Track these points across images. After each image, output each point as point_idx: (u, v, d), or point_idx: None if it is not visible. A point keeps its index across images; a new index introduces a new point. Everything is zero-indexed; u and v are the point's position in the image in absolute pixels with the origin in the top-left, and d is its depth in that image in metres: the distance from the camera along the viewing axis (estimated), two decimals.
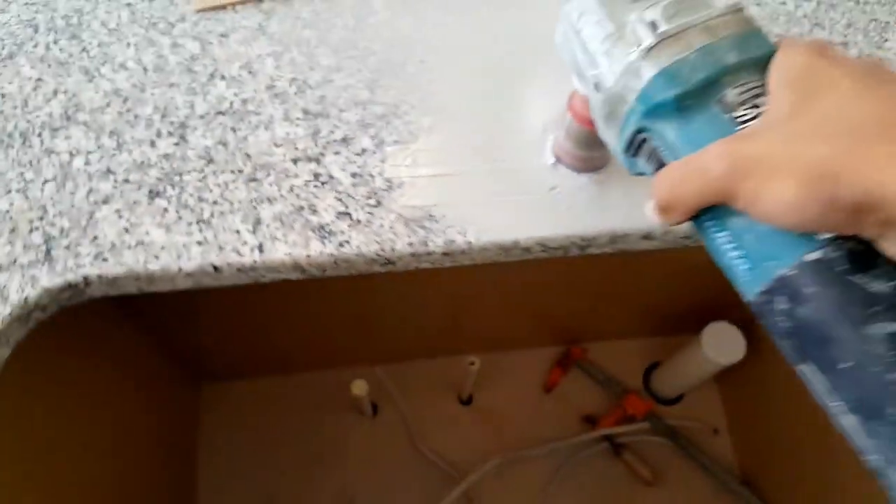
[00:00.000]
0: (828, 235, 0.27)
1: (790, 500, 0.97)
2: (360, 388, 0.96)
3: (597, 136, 0.42)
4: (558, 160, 0.47)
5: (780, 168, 0.26)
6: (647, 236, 0.46)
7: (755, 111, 0.29)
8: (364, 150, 0.47)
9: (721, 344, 0.92)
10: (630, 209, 0.46)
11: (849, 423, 0.26)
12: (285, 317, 0.96)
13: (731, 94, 0.30)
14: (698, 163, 0.29)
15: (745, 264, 0.29)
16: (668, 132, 0.31)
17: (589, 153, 0.45)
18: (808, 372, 0.27)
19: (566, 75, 0.45)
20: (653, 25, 0.32)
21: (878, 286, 0.25)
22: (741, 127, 0.29)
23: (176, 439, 1.04)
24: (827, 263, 0.26)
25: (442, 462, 1.09)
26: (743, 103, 0.29)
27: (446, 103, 0.49)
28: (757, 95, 0.29)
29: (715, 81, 0.30)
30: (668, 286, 0.95)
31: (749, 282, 0.29)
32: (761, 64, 0.30)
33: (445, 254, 0.45)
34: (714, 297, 0.99)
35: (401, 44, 0.51)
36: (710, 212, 0.30)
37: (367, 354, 1.14)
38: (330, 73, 0.49)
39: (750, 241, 0.29)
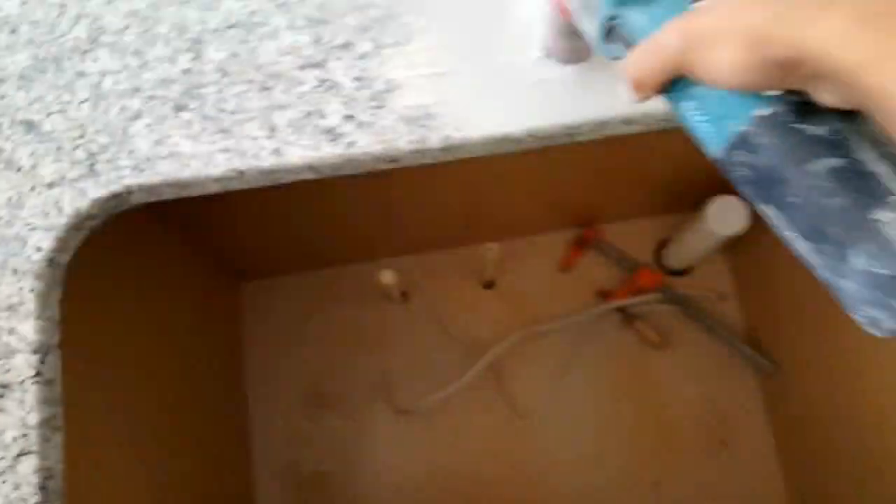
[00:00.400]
0: (774, 93, 0.31)
1: (792, 357, 1.04)
2: (388, 277, 1.03)
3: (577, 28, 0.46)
4: (547, 52, 0.50)
5: (723, 35, 0.29)
6: (627, 121, 0.50)
7: None
8: (364, 55, 0.51)
9: (725, 216, 0.96)
10: (612, 97, 0.50)
11: (802, 248, 0.32)
12: (314, 214, 1.02)
13: None
14: (659, 40, 0.32)
15: (709, 126, 0.34)
16: (635, 17, 0.35)
17: (574, 44, 0.49)
18: (768, 211, 0.33)
19: None
20: None
21: (816, 130, 0.30)
22: (697, 5, 0.33)
23: (222, 336, 1.13)
24: (774, 117, 0.31)
25: (469, 341, 1.17)
26: None
27: (439, 3, 0.52)
28: None
29: None
30: (672, 165, 0.98)
31: (714, 141, 0.34)
32: None
33: (444, 149, 0.50)
34: (717, 174, 1.02)
35: None
36: (676, 84, 0.34)
37: (394, 246, 1.21)
38: None
39: (711, 106, 0.33)
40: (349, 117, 0.49)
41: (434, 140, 0.49)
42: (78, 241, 0.49)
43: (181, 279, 0.94)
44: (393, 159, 0.50)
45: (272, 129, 0.49)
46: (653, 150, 0.92)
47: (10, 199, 0.48)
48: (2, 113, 0.50)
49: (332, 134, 0.49)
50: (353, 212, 1.04)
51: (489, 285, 1.21)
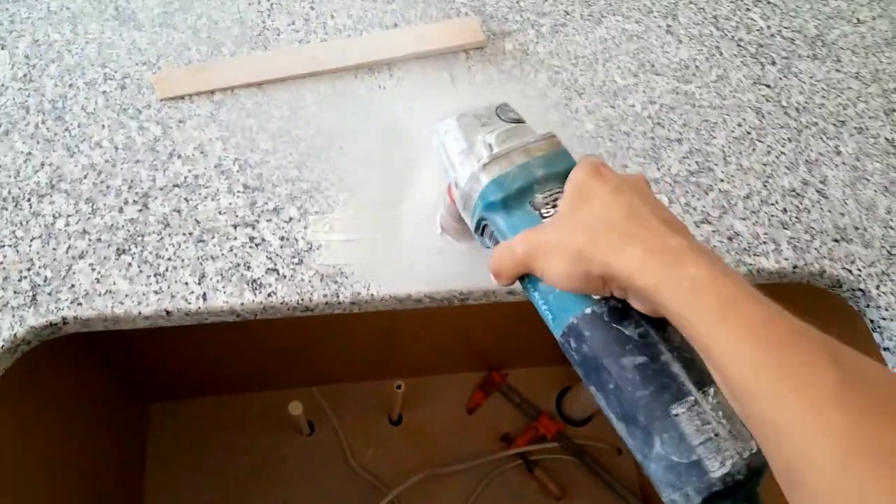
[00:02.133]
0: (599, 297, 0.39)
1: None
2: (296, 408, 1.08)
3: None
4: (443, 231, 0.61)
5: (556, 250, 0.39)
6: (511, 292, 0.60)
7: (554, 210, 0.43)
8: (291, 219, 0.60)
9: None
10: None
11: (619, 428, 0.39)
12: (228, 343, 1.07)
13: (539, 197, 0.43)
14: (511, 245, 0.42)
15: (550, 315, 0.42)
16: (498, 221, 0.45)
17: (465, 226, 0.59)
18: (593, 392, 0.40)
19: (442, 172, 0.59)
20: (489, 147, 0.46)
21: (630, 331, 0.38)
22: (545, 220, 0.43)
23: (125, 454, 1.14)
24: (598, 315, 0.39)
25: (372, 477, 1.21)
26: (546, 204, 0.43)
27: (359, 182, 0.62)
28: (556, 199, 0.43)
29: (528, 188, 0.43)
30: None
31: (554, 327, 0.42)
32: (563, 175, 0.43)
33: (353, 303, 0.58)
34: None
35: (325, 132, 0.64)
36: (527, 277, 0.43)
37: (304, 377, 1.26)
38: (267, 155, 0.63)
39: (551, 300, 0.42)
40: (272, 270, 0.58)
41: (345, 295, 0.58)
42: (9, 364, 0.55)
43: (92, 397, 0.97)
44: (307, 309, 0.58)
45: (202, 276, 0.57)
46: None
47: None
48: None
49: (255, 284, 0.57)
50: (267, 343, 1.10)
51: (396, 421, 1.27)
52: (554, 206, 0.43)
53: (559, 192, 0.43)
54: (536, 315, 1.27)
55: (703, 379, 0.37)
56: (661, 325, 0.38)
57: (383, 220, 0.61)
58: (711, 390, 0.36)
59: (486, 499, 1.22)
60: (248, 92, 0.66)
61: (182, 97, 0.64)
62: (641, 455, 0.37)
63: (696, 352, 0.36)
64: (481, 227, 0.47)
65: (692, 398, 0.36)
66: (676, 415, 0.35)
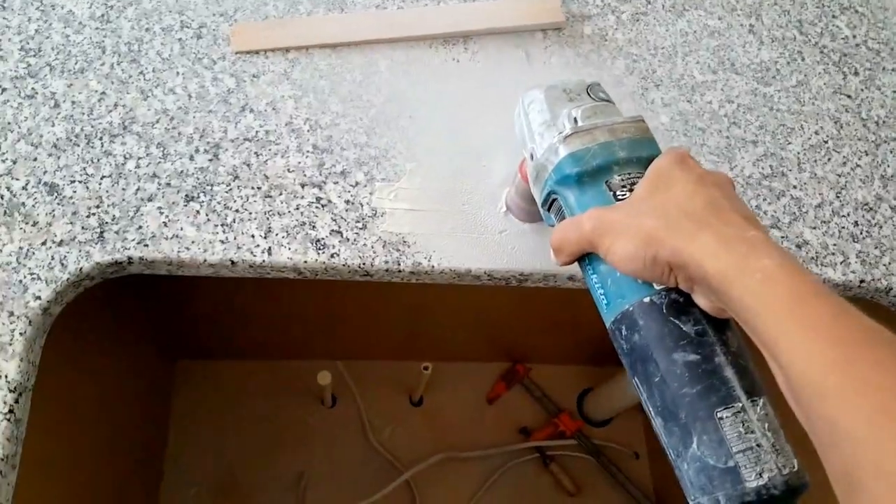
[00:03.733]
0: (661, 286, 0.40)
1: None
2: (324, 378, 1.10)
3: None
4: (508, 209, 0.62)
5: (625, 231, 0.39)
6: (571, 278, 0.62)
7: (630, 193, 0.43)
8: (357, 183, 0.62)
9: None
10: None
11: (656, 424, 0.39)
12: (262, 307, 1.09)
13: (616, 179, 0.44)
14: (578, 220, 0.42)
15: (605, 300, 0.43)
16: (569, 197, 0.45)
17: (531, 207, 0.60)
18: (636, 383, 0.41)
19: (518, 146, 0.60)
20: (574, 120, 0.46)
21: (687, 327, 0.38)
22: (616, 203, 0.43)
23: (151, 409, 1.17)
24: (656, 306, 0.39)
25: (390, 455, 1.23)
26: (623, 186, 0.43)
27: (427, 153, 0.64)
28: (634, 183, 0.43)
29: (607, 168, 0.44)
30: (601, 323, 1.10)
31: (607, 312, 0.43)
32: (644, 161, 0.44)
33: (412, 272, 0.60)
34: None
35: (397, 100, 0.66)
36: (587, 258, 0.43)
37: (331, 349, 1.28)
38: (337, 118, 0.64)
39: (609, 284, 0.42)
40: (336, 232, 0.59)
41: (406, 264, 0.59)
42: (71, 297, 0.57)
43: (125, 347, 1.00)
44: (367, 273, 0.60)
45: (268, 231, 0.58)
46: (588, 306, 1.04)
47: (20, 248, 0.55)
48: (30, 173, 0.58)
49: (319, 244, 0.58)
50: (299, 311, 1.12)
51: (418, 402, 1.29)
52: (630, 190, 0.43)
53: (638, 177, 0.43)
54: (565, 313, 1.28)
55: (754, 388, 0.37)
56: (720, 326, 0.39)
57: (448, 194, 0.62)
58: (761, 401, 0.37)
59: (501, 487, 1.24)
60: (322, 53, 0.67)
61: (257, 52, 0.66)
62: (675, 454, 0.38)
63: (753, 358, 0.37)
64: (549, 202, 0.47)
65: (740, 404, 0.36)
66: (721, 418, 0.36)
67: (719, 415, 0.36)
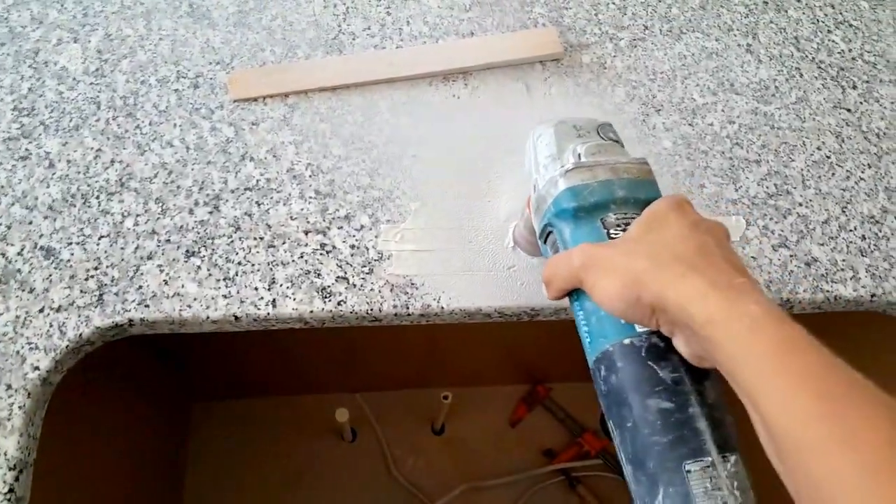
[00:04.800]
0: (643, 329, 0.36)
1: None
2: (342, 415, 1.04)
3: None
4: (516, 244, 0.56)
5: (612, 269, 0.35)
6: None
7: (623, 233, 0.39)
8: (362, 226, 0.56)
9: None
10: None
11: (627, 471, 0.35)
12: (276, 345, 1.04)
13: (612, 217, 0.40)
14: (568, 255, 0.38)
15: (588, 338, 0.39)
16: (564, 231, 0.41)
17: (534, 238, 0.55)
18: (611, 427, 0.36)
19: (523, 180, 0.55)
20: (578, 156, 0.42)
21: (664, 373, 0.35)
22: (608, 241, 0.39)
23: (167, 452, 1.10)
24: (636, 348, 0.36)
25: (413, 488, 1.16)
26: (618, 225, 0.40)
27: (431, 191, 0.58)
28: (629, 223, 0.39)
29: (604, 206, 0.40)
30: None
31: (589, 351, 0.39)
32: (642, 203, 0.40)
33: (422, 315, 0.54)
34: None
35: (399, 139, 0.60)
36: (575, 293, 0.40)
37: (349, 382, 1.22)
38: (339, 161, 0.58)
39: (594, 321, 0.38)
40: (342, 278, 0.53)
41: (414, 307, 0.53)
42: (71, 364, 0.51)
43: (140, 392, 0.94)
44: (375, 319, 0.54)
45: (272, 282, 0.53)
46: None
47: (17, 317, 0.50)
48: (26, 237, 0.53)
49: (325, 292, 0.53)
50: (313, 346, 1.06)
51: (439, 431, 1.22)
52: (624, 230, 0.39)
53: (634, 217, 0.39)
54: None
55: (727, 444, 0.33)
56: (699, 376, 0.35)
57: (455, 232, 0.57)
58: (733, 458, 0.33)
59: None
60: (322, 96, 0.62)
61: (255, 99, 0.61)
62: (642, 502, 0.34)
63: (732, 413, 0.34)
64: (546, 234, 0.44)
65: (710, 459, 0.33)
66: (689, 471, 0.32)
67: (687, 467, 0.32)
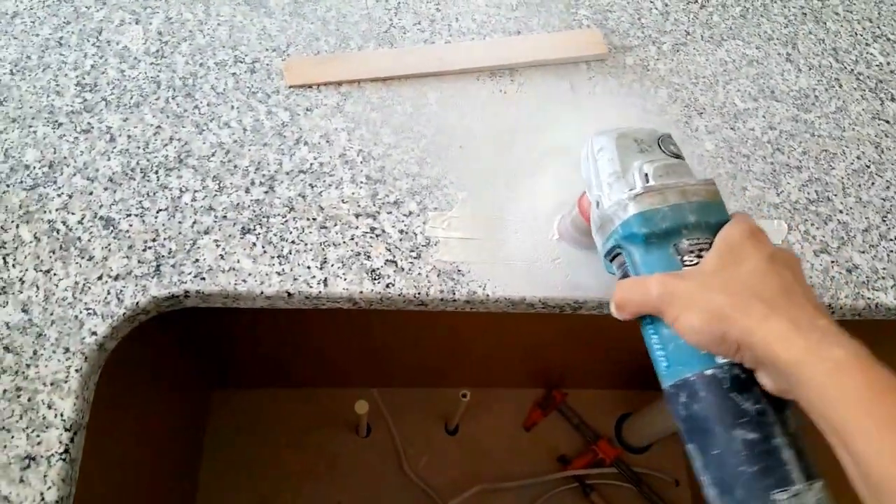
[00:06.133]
0: (723, 360, 0.37)
1: None
2: (361, 407, 1.05)
3: (589, 227, 0.53)
4: (561, 237, 0.58)
5: (694, 304, 0.37)
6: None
7: (698, 260, 0.40)
8: (411, 213, 0.58)
9: None
10: (610, 284, 0.57)
11: (710, 493, 0.37)
12: (295, 336, 1.05)
13: (685, 243, 0.40)
14: (644, 284, 0.40)
15: (665, 362, 0.40)
16: (634, 255, 0.42)
17: (585, 238, 0.56)
18: (691, 450, 0.38)
19: (570, 175, 0.57)
20: (646, 177, 0.42)
21: (747, 405, 0.36)
22: (685, 269, 0.40)
23: (185, 439, 1.12)
24: (717, 379, 0.37)
25: (426, 486, 1.17)
26: (691, 251, 0.40)
27: (477, 182, 0.60)
28: (703, 249, 0.40)
29: (676, 232, 0.41)
30: (641, 346, 1.05)
31: (665, 375, 0.40)
32: (714, 227, 0.41)
33: (467, 301, 0.56)
34: None
35: (447, 131, 0.62)
36: (649, 318, 0.41)
37: (365, 377, 1.23)
38: (389, 149, 0.60)
39: (671, 348, 0.39)
40: (391, 262, 0.55)
41: (460, 293, 0.55)
42: (126, 332, 0.53)
43: (163, 378, 0.95)
44: (422, 303, 0.56)
45: (324, 262, 0.54)
46: (622, 329, 0.99)
47: (76, 283, 0.52)
48: (86, 207, 0.54)
49: (375, 274, 0.54)
50: (332, 339, 1.07)
51: (453, 431, 1.23)
52: (699, 257, 0.40)
53: (706, 243, 0.40)
54: (601, 337, 1.22)
55: (811, 471, 0.35)
56: (780, 406, 0.36)
57: (500, 222, 0.58)
58: (818, 485, 0.35)
59: None
60: (373, 86, 0.64)
61: (310, 86, 0.63)
62: None
63: (810, 439, 0.35)
64: (613, 255, 0.45)
65: (797, 487, 0.34)
66: (775, 500, 0.34)
67: (774, 496, 0.34)
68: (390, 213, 0.57)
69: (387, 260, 0.55)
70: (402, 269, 0.55)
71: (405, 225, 0.57)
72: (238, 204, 0.56)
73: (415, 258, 0.56)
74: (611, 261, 0.45)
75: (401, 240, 0.56)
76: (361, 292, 0.54)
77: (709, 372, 0.37)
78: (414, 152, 0.61)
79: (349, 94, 0.63)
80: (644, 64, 0.69)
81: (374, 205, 0.58)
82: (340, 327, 1.03)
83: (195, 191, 0.56)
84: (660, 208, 0.41)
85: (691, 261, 0.40)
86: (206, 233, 0.54)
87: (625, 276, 0.43)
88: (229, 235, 0.54)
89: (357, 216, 0.57)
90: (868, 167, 0.67)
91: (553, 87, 0.66)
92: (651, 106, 0.67)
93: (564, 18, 0.71)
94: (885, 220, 0.64)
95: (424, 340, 1.10)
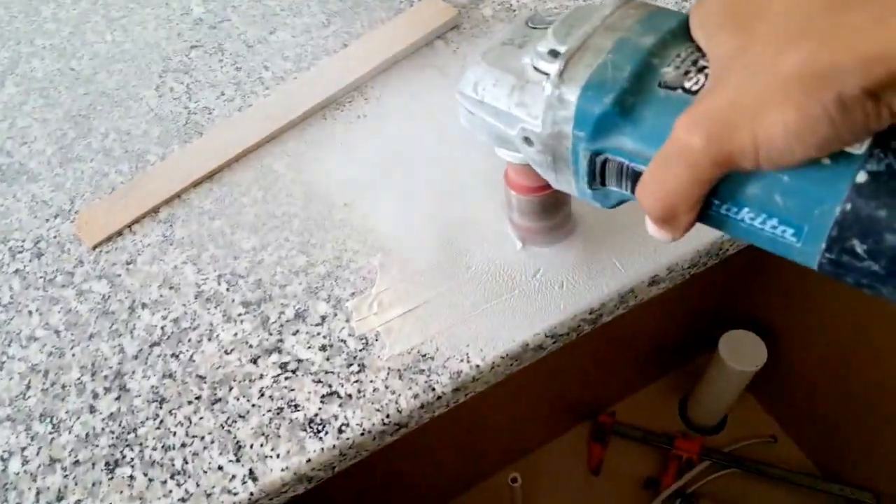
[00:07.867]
0: (859, 150, 0.22)
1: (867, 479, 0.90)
2: None
3: (546, 201, 0.38)
4: (524, 241, 0.42)
5: (762, 101, 0.21)
6: (653, 281, 0.41)
7: (703, 74, 0.25)
8: (324, 317, 0.41)
9: (740, 350, 0.87)
10: (622, 261, 0.41)
11: None
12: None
13: (670, 71, 0.26)
14: (673, 149, 0.24)
15: (792, 229, 0.24)
16: (624, 142, 0.27)
17: (549, 221, 0.41)
18: None
19: (496, 164, 0.41)
20: (553, 53, 0.28)
21: None
22: (700, 93, 0.25)
23: None
24: (879, 176, 0.21)
25: None
26: (687, 73, 0.25)
27: (388, 235, 0.44)
28: (696, 61, 0.26)
29: (645, 69, 0.26)
30: (664, 322, 0.90)
31: (805, 246, 0.24)
32: (680, 33, 0.27)
33: (456, 389, 0.39)
34: (715, 312, 0.94)
35: (318, 194, 0.46)
36: (717, 196, 0.25)
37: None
38: (256, 254, 0.44)
39: (783, 202, 0.24)
40: (330, 395, 0.38)
41: (441, 382, 0.38)
42: None
43: None
44: (398, 425, 0.38)
45: (238, 448, 0.37)
46: (641, 314, 0.84)
47: None
48: None
49: (315, 424, 0.37)
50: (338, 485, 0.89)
51: None
52: (700, 71, 0.25)
53: (693, 52, 0.26)
54: (619, 338, 1.03)
55: None
56: None
57: (442, 267, 0.42)
58: None
59: None
60: (199, 191, 0.47)
61: (118, 233, 0.46)
62: None
63: None
64: (599, 173, 0.29)
65: None
66: None
67: None
68: (296, 332, 0.40)
69: (323, 396, 0.38)
70: (350, 397, 0.38)
71: (324, 337, 0.40)
72: (88, 434, 0.38)
73: (358, 373, 0.39)
74: (602, 183, 0.30)
75: (328, 359, 0.39)
76: (309, 460, 0.36)
77: (861, 177, 0.22)
78: (290, 241, 0.44)
79: (174, 216, 0.46)
80: (506, 5, 0.55)
81: (271, 333, 0.41)
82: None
83: (22, 449, 0.38)
84: (602, 61, 0.27)
85: (698, 80, 0.25)
86: (61, 499, 0.36)
87: (635, 182, 0.28)
88: (94, 484, 0.36)
89: (255, 361, 0.40)
90: None
91: (417, 81, 0.52)
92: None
93: (390, 5, 0.57)
94: None
95: (439, 442, 0.92)
